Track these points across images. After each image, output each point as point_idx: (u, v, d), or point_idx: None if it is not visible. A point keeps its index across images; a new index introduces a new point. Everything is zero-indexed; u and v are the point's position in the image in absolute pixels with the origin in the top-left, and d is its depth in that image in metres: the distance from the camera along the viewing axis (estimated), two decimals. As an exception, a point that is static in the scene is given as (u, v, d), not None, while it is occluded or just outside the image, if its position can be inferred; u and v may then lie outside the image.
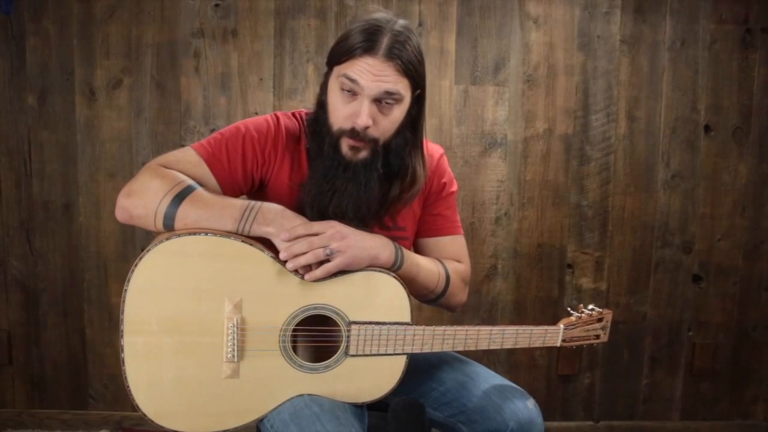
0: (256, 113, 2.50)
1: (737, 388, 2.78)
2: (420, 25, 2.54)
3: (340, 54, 1.36)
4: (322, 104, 1.43)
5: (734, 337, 2.74)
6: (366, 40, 1.32)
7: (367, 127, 1.34)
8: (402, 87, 1.35)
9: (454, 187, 1.65)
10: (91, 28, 2.48)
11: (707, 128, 2.64)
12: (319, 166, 1.41)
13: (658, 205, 2.66)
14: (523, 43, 2.58)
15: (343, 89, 1.35)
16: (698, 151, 2.65)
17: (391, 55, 1.32)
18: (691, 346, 2.73)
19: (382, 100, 1.35)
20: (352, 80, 1.32)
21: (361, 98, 1.34)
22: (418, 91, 1.43)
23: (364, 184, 1.39)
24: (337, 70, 1.36)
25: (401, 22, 1.38)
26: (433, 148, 1.64)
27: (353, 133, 1.35)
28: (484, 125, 2.60)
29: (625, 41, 2.59)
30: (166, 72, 2.52)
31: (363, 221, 1.42)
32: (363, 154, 1.38)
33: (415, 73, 1.37)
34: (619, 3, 2.58)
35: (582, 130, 2.62)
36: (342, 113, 1.36)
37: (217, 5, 2.50)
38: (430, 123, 2.55)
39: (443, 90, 2.57)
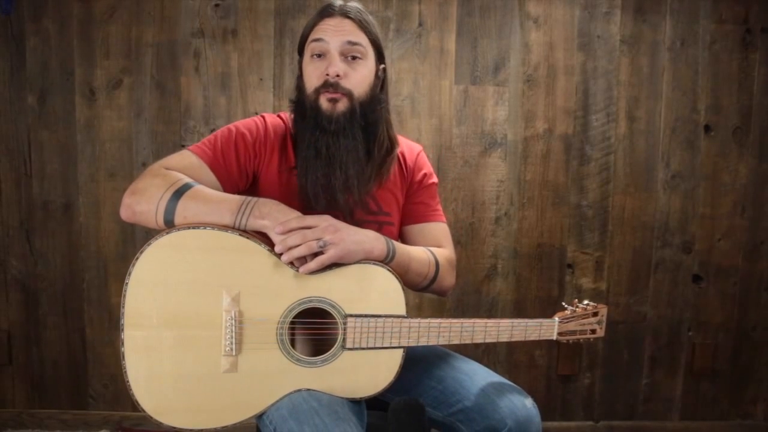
0: (256, 113, 2.50)
1: (737, 388, 2.78)
2: (420, 25, 2.54)
3: (305, 33, 1.52)
4: (300, 88, 1.54)
5: (734, 337, 2.74)
6: (322, 10, 1.50)
7: (338, 75, 1.45)
8: (362, 40, 1.49)
9: (434, 179, 1.74)
10: (91, 28, 2.49)
11: (707, 128, 2.64)
12: (304, 130, 1.50)
13: (658, 205, 2.66)
14: (523, 43, 2.58)
15: (313, 56, 1.48)
16: (698, 151, 2.65)
17: (346, 13, 1.49)
18: (691, 346, 2.73)
19: (348, 54, 1.47)
20: (318, 39, 1.47)
21: (330, 54, 1.46)
22: (382, 65, 1.57)
23: (352, 136, 1.48)
24: (306, 45, 1.51)
25: (354, 2, 1.54)
26: (412, 144, 1.75)
27: (327, 84, 1.45)
28: (484, 125, 2.60)
29: (625, 41, 2.60)
30: (166, 72, 2.53)
31: (361, 181, 1.51)
32: (341, 106, 1.47)
33: (371, 31, 1.52)
34: (619, 3, 2.59)
35: (582, 130, 2.62)
36: (315, 74, 1.47)
37: (217, 5, 2.50)
38: (429, 123, 2.56)
39: (443, 90, 2.58)
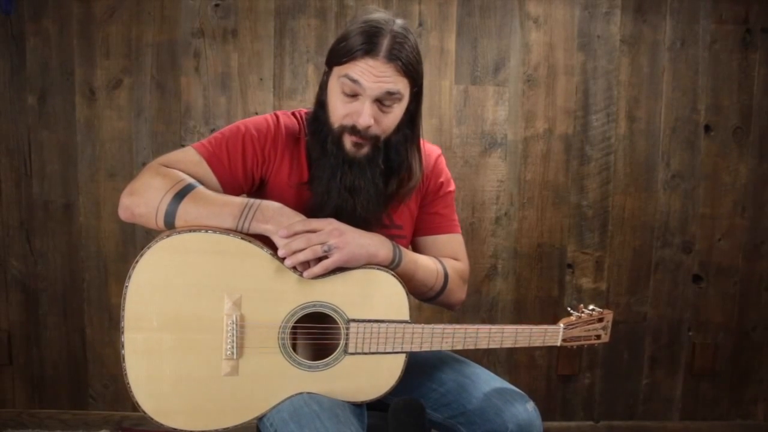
0: (256, 113, 2.50)
1: (737, 388, 2.78)
2: (420, 25, 2.54)
3: (340, 55, 1.37)
4: (321, 104, 1.45)
5: (734, 337, 2.74)
6: (366, 42, 1.33)
7: (368, 127, 1.36)
8: (402, 86, 1.37)
9: (452, 187, 1.66)
10: (91, 28, 2.49)
11: (707, 128, 2.64)
12: (324, 165, 1.42)
13: (658, 205, 2.66)
14: (523, 43, 2.58)
15: (344, 90, 1.37)
16: (698, 151, 2.65)
17: (392, 57, 1.33)
18: (691, 346, 2.73)
19: (383, 100, 1.37)
20: (354, 81, 1.34)
21: (363, 99, 1.35)
22: (416, 89, 1.45)
23: (372, 180, 1.42)
24: (338, 70, 1.38)
25: (399, 22, 1.39)
26: (430, 148, 1.66)
27: (354, 131, 1.37)
28: (484, 125, 2.60)
29: (625, 41, 2.60)
30: (166, 72, 2.52)
31: (377, 217, 1.46)
32: (365, 150, 1.40)
33: (414, 73, 1.39)
34: (619, 3, 2.58)
35: (582, 130, 2.62)
36: (343, 112, 1.38)
37: (217, 5, 2.50)
38: (430, 123, 2.56)
39: (443, 90, 2.58)
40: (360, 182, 1.41)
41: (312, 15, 2.52)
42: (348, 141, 1.39)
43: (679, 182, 2.65)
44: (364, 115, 1.35)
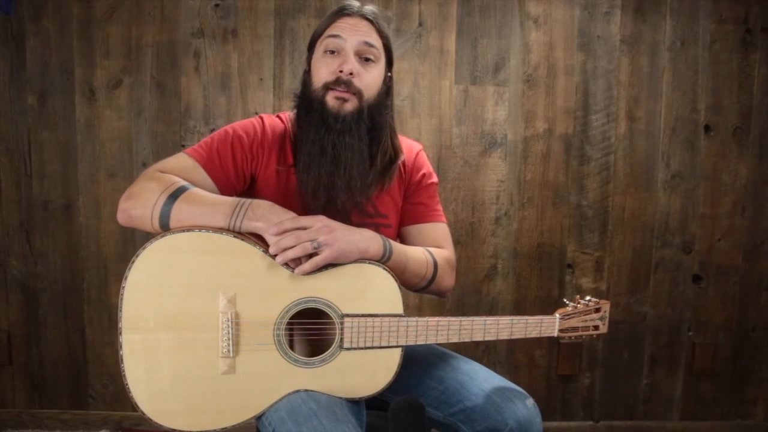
0: (256, 113, 2.50)
1: (737, 388, 2.78)
2: (420, 25, 2.54)
3: (320, 29, 1.52)
4: (305, 82, 1.54)
5: (734, 337, 2.74)
6: (340, 10, 1.51)
7: (351, 73, 1.45)
8: (377, 43, 1.51)
9: (434, 179, 1.72)
10: (91, 28, 2.49)
11: (707, 128, 2.64)
12: (309, 123, 1.48)
13: (658, 205, 2.66)
14: (523, 43, 2.58)
15: (326, 51, 1.48)
16: (698, 151, 2.65)
17: (365, 15, 1.51)
18: (691, 346, 2.73)
19: (363, 55, 1.48)
20: (335, 35, 1.47)
21: (345, 52, 1.47)
22: (389, 74, 1.58)
23: (358, 137, 1.47)
24: (320, 41, 1.51)
25: (370, 6, 1.55)
26: (412, 143, 1.73)
27: (338, 82, 1.45)
28: (484, 125, 2.60)
29: (625, 41, 2.59)
30: (166, 72, 2.53)
31: (363, 178, 1.50)
32: (349, 106, 1.46)
33: (386, 37, 1.54)
34: (619, 3, 2.58)
35: (582, 130, 2.62)
36: (327, 70, 1.47)
37: (217, 5, 2.50)
38: (429, 123, 2.56)
39: (443, 90, 2.58)
40: (345, 138, 1.46)
41: (312, 15, 2.52)
42: (331, 97, 1.46)
43: (679, 182, 2.65)
44: (348, 62, 1.45)
